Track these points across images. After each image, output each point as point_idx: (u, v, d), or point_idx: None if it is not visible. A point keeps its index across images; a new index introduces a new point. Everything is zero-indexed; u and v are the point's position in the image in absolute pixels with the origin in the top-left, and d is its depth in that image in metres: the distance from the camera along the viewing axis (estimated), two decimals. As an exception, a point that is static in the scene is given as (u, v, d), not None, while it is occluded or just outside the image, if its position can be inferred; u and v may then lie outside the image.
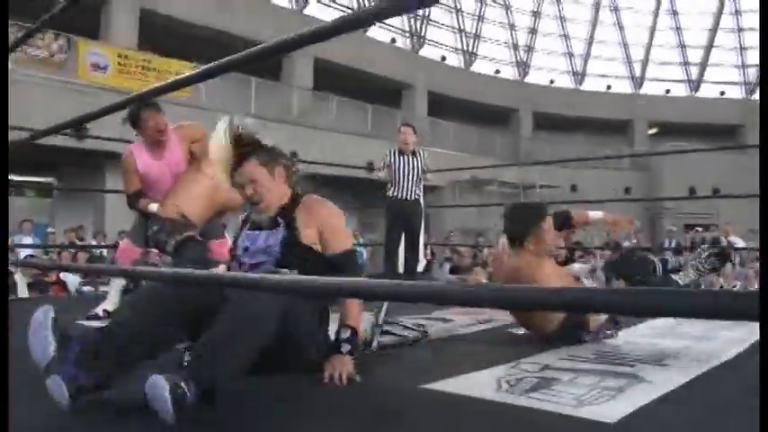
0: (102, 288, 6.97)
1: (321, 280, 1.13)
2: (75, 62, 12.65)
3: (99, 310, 3.89)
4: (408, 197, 6.05)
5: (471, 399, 1.96)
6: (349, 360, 2.17)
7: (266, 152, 2.39)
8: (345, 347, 2.18)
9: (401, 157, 6.11)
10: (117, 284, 4.12)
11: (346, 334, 2.20)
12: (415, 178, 6.09)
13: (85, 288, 7.72)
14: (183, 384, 1.66)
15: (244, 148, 2.32)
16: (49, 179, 15.04)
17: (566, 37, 27.18)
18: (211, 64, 1.40)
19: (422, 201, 6.28)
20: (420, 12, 23.45)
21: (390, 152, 6.21)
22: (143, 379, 1.68)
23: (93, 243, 10.57)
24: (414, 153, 6.15)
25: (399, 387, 2.14)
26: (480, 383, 2.11)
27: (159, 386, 1.64)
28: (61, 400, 1.75)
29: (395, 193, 6.08)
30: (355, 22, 1.19)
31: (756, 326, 0.66)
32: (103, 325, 3.07)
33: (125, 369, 1.90)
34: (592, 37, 27.34)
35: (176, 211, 3.50)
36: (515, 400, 1.93)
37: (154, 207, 3.57)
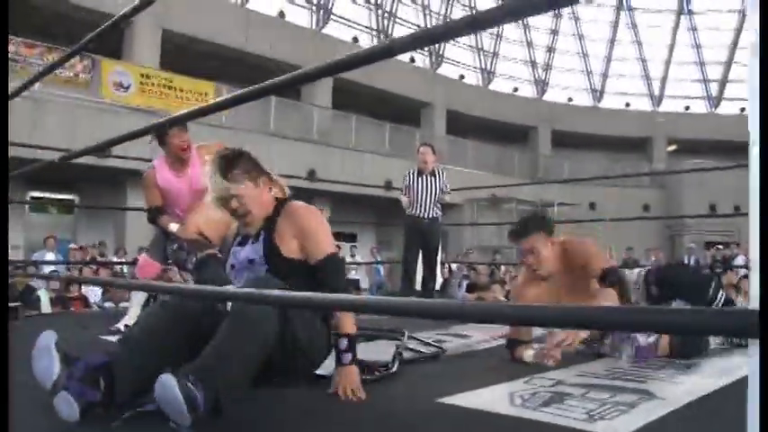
0: (123, 304, 7.07)
1: (332, 297, 1.18)
2: (98, 81, 12.89)
3: (121, 325, 3.98)
4: (426, 216, 6.17)
5: (485, 413, 2.00)
6: (354, 371, 2.16)
7: (248, 162, 2.38)
8: (346, 357, 2.16)
9: (420, 178, 6.22)
10: (138, 299, 4.20)
11: (343, 344, 2.17)
12: (433, 197, 6.19)
13: (107, 304, 7.83)
14: (192, 386, 1.66)
15: (226, 160, 2.32)
16: (72, 196, 15.27)
17: (584, 55, 27.19)
18: (251, 88, 1.44)
19: (440, 219, 6.40)
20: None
21: (409, 173, 6.33)
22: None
23: (115, 259, 10.71)
24: (433, 173, 6.26)
25: (415, 401, 2.18)
26: (494, 398, 2.15)
27: (169, 386, 1.64)
28: (70, 417, 1.75)
29: (413, 212, 6.19)
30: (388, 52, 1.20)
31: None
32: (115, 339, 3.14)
33: (135, 385, 1.90)
34: (610, 54, 27.32)
35: (196, 231, 3.57)
36: (528, 414, 1.97)
37: (174, 227, 3.66)
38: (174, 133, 3.68)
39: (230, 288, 2.15)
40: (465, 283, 11.33)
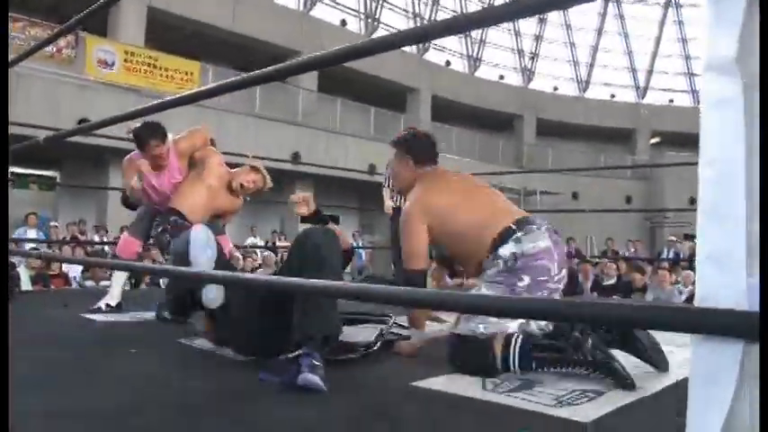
0: (103, 283, 7.07)
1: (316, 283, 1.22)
2: (82, 58, 12.77)
3: (102, 304, 4.00)
4: None
5: (458, 397, 2.06)
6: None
7: None
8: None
9: None
10: (119, 279, 4.22)
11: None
12: None
13: (87, 282, 7.82)
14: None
15: None
16: (54, 173, 15.16)
17: (571, 44, 27.28)
18: (253, 73, 1.45)
19: None
20: (426, 15, 23.57)
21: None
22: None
23: (96, 237, 10.69)
24: None
25: (388, 384, 2.24)
26: (467, 384, 2.21)
27: (313, 381, 2.03)
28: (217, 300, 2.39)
29: (398, 202, 5.67)
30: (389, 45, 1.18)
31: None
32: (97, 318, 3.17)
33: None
34: (597, 45, 27.43)
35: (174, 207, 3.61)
36: (498, 398, 2.03)
37: (134, 180, 3.73)
38: (154, 144, 3.68)
39: (209, 271, 2.27)
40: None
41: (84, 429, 1.70)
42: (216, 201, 3.76)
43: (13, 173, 14.35)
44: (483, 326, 2.40)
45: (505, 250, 2.47)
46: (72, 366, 2.39)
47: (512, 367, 2.32)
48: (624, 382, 2.15)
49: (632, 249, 14.22)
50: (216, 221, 3.92)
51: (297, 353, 2.17)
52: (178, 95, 1.76)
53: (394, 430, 1.76)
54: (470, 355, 2.37)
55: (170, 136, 3.84)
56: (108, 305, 4.01)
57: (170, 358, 2.62)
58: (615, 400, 2.03)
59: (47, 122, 7.57)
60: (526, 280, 2.46)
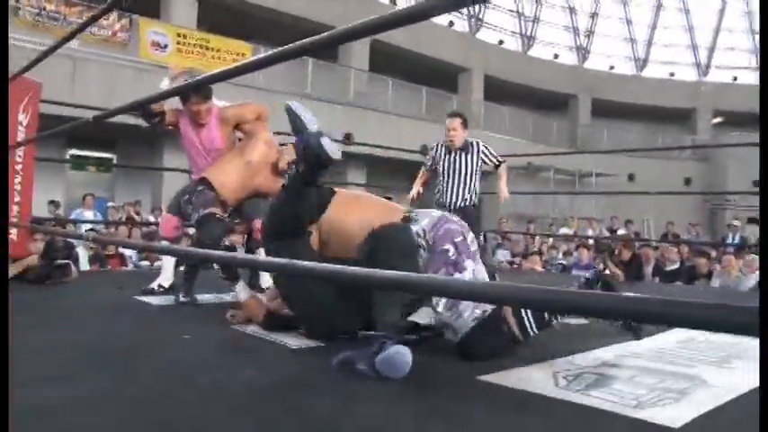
0: (158, 263, 7.10)
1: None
2: (136, 41, 12.89)
3: (155, 285, 3.98)
4: (454, 204, 5.01)
5: (530, 394, 1.92)
6: None
7: None
8: None
9: (447, 156, 5.11)
10: (170, 259, 4.18)
11: None
12: (463, 180, 5.05)
13: (143, 262, 7.88)
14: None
15: None
16: (111, 155, 15.41)
17: (628, 21, 26.45)
18: (282, 48, 1.39)
19: (473, 205, 5.17)
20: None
21: (438, 146, 5.22)
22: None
23: (151, 218, 10.81)
24: (464, 148, 5.06)
25: (456, 378, 2.11)
26: (538, 378, 2.07)
27: (398, 361, 2.05)
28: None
29: (441, 199, 5.13)
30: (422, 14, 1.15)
31: None
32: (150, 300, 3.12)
33: None
34: (656, 21, 26.53)
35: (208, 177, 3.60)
36: (574, 397, 1.88)
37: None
38: (194, 101, 3.64)
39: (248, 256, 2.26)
40: (499, 250, 11.23)
41: (129, 417, 1.62)
42: (255, 179, 3.70)
43: (71, 155, 14.69)
44: (479, 309, 2.38)
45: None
46: (122, 353, 2.32)
47: (530, 330, 2.40)
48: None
49: (693, 233, 13.73)
50: (258, 200, 3.85)
51: (376, 333, 2.16)
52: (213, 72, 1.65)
53: (464, 430, 1.63)
54: (485, 337, 2.32)
55: (221, 102, 3.82)
56: (161, 286, 3.98)
57: (224, 345, 2.55)
58: (700, 401, 1.87)
59: (104, 106, 7.63)
60: (450, 248, 2.48)
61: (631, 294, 0.83)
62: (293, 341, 2.57)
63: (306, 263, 1.28)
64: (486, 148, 5.18)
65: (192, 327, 2.87)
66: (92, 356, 2.24)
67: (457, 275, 2.43)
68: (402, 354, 2.06)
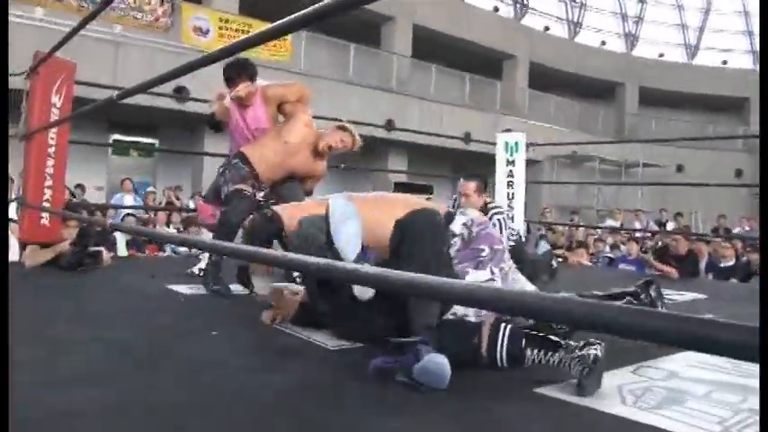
0: (195, 249, 7.02)
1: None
2: (178, 26, 12.86)
3: (195, 269, 3.90)
4: None
5: (595, 412, 1.70)
6: None
7: None
8: None
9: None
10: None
11: None
12: None
13: (181, 248, 7.83)
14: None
15: None
16: (152, 140, 15.47)
17: (679, 7, 25.63)
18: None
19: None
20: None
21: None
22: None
23: (191, 203, 10.79)
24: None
25: (510, 389, 1.90)
26: (601, 392, 1.84)
27: (438, 370, 1.83)
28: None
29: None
30: None
31: None
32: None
33: None
34: (708, 6, 25.64)
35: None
36: (645, 417, 1.66)
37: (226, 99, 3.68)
38: (238, 81, 3.64)
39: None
40: (542, 242, 10.93)
41: (149, 427, 1.46)
42: (292, 160, 3.65)
43: (114, 140, 14.78)
44: (473, 312, 2.22)
45: (456, 225, 2.43)
46: (143, 351, 2.16)
47: (498, 357, 2.02)
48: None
49: (746, 227, 13.18)
50: (295, 184, 3.78)
51: (414, 339, 1.96)
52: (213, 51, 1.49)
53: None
54: (453, 340, 2.07)
55: (262, 82, 3.78)
56: (202, 269, 3.88)
57: (254, 344, 2.37)
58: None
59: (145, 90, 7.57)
60: (486, 249, 2.41)
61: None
62: (329, 341, 2.39)
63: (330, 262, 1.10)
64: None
65: (221, 321, 2.71)
66: (115, 355, 2.10)
67: (473, 272, 2.34)
68: (437, 362, 1.85)
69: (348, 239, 2.17)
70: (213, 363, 2.04)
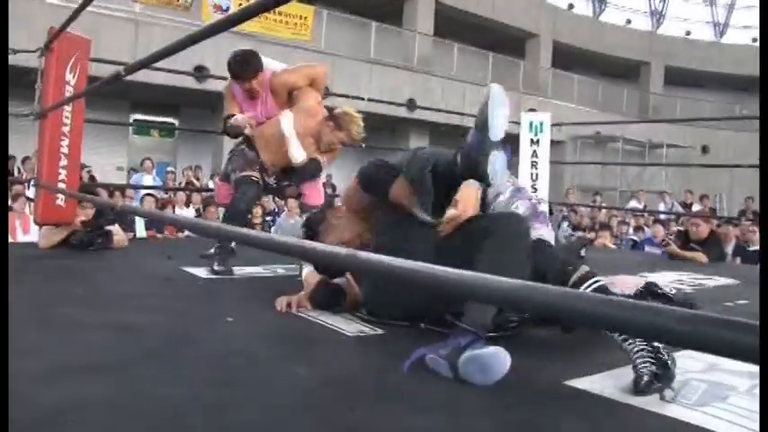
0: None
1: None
2: (199, 4, 12.76)
3: (213, 250, 3.82)
4: None
5: (630, 408, 1.59)
6: None
7: None
8: None
9: None
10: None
11: None
12: None
13: (200, 229, 7.79)
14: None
15: None
16: (173, 120, 15.46)
17: (708, -16, 25.07)
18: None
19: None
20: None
21: None
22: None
23: (210, 183, 10.76)
24: None
25: (537, 381, 1.80)
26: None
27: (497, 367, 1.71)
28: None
29: None
30: None
31: None
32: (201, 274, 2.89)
33: None
34: (738, -16, 25.06)
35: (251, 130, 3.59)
36: (686, 414, 1.55)
37: (235, 119, 3.56)
38: (244, 78, 3.56)
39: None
40: (565, 224, 10.77)
41: (158, 424, 1.37)
42: (285, 147, 3.58)
43: (134, 119, 14.78)
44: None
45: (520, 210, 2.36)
46: (156, 338, 2.07)
47: None
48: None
49: (774, 209, 12.85)
50: (311, 163, 3.67)
51: (468, 327, 1.82)
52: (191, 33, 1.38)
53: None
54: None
55: (276, 66, 3.67)
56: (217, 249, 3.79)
57: (271, 331, 2.28)
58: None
59: (165, 68, 7.53)
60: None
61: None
62: (349, 327, 2.30)
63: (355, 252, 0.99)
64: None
65: (237, 306, 2.63)
66: (124, 342, 2.01)
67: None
68: (500, 357, 1.72)
69: (502, 122, 2.05)
70: (228, 352, 1.95)
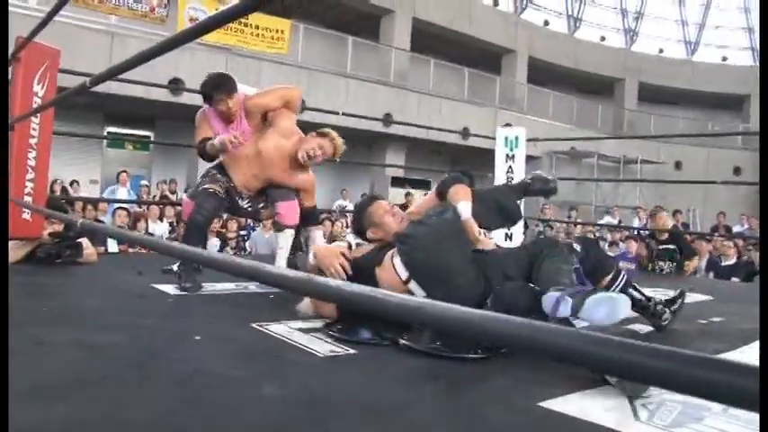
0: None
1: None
2: (174, 17, 12.69)
3: (174, 266, 3.73)
4: None
5: (605, 429, 1.56)
6: None
7: None
8: None
9: None
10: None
11: None
12: None
13: (174, 243, 7.69)
14: None
15: None
16: (148, 133, 15.31)
17: (679, 2, 25.45)
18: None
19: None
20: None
21: None
22: None
23: (184, 196, 10.64)
24: None
25: (511, 402, 1.77)
26: (613, 407, 1.71)
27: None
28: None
29: None
30: None
31: None
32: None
33: None
34: (709, 3, 25.46)
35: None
36: (661, 437, 1.52)
37: (216, 141, 3.47)
38: (218, 99, 3.48)
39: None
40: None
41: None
42: (269, 171, 3.57)
43: (108, 132, 14.61)
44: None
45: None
46: (123, 358, 2.01)
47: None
48: None
49: (746, 225, 13.04)
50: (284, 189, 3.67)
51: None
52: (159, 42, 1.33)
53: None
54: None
55: (249, 90, 3.62)
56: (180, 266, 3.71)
57: (242, 350, 2.22)
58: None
59: (143, 80, 7.48)
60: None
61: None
62: (321, 347, 2.25)
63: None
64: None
65: (207, 324, 2.56)
66: (89, 363, 1.95)
67: None
68: (627, 303, 2.14)
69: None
70: (198, 372, 1.89)
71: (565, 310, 2.02)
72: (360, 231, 2.87)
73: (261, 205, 3.75)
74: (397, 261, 2.43)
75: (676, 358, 0.50)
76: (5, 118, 1.77)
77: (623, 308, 2.09)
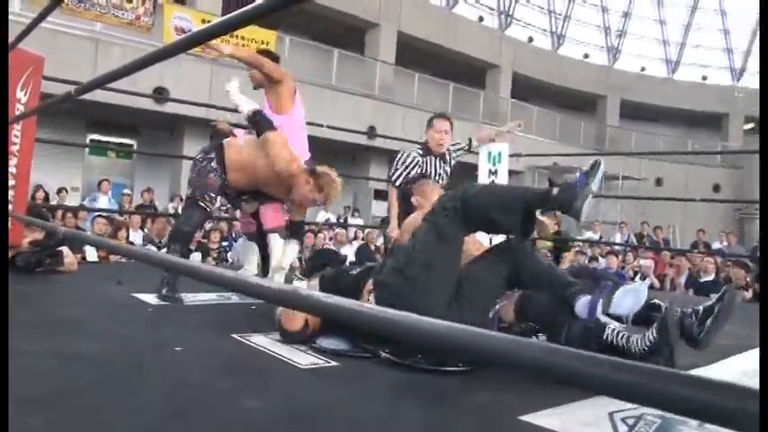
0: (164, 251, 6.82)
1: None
2: (160, 26, 12.65)
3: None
4: None
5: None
6: None
7: None
8: None
9: (431, 165, 4.38)
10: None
11: None
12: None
13: (149, 246, 7.62)
14: None
15: None
16: (131, 141, 15.22)
17: (661, 22, 25.82)
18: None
19: None
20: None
21: (412, 156, 4.38)
22: None
23: (170, 205, 10.60)
24: (443, 155, 4.45)
25: (491, 417, 1.77)
26: (593, 419, 1.72)
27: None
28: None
29: None
30: None
31: None
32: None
33: None
34: (690, 23, 25.84)
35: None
36: (640, 451, 1.54)
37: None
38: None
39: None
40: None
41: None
42: (263, 186, 3.62)
43: (91, 140, 14.50)
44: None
45: None
46: (101, 369, 1.99)
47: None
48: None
49: (724, 242, 13.19)
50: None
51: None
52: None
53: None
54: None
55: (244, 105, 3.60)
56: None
57: (223, 362, 2.21)
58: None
59: (128, 89, 7.46)
60: None
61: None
62: (302, 359, 2.25)
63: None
64: (451, 145, 4.52)
65: (188, 335, 2.55)
66: (70, 373, 1.93)
67: None
68: (645, 289, 2.34)
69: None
70: (178, 383, 1.88)
71: (599, 311, 2.23)
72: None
73: (245, 197, 3.73)
74: (372, 299, 2.41)
75: (648, 373, 0.51)
76: (5, 118, 1.75)
77: (644, 295, 2.31)
